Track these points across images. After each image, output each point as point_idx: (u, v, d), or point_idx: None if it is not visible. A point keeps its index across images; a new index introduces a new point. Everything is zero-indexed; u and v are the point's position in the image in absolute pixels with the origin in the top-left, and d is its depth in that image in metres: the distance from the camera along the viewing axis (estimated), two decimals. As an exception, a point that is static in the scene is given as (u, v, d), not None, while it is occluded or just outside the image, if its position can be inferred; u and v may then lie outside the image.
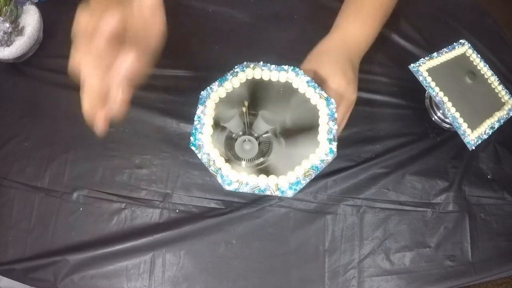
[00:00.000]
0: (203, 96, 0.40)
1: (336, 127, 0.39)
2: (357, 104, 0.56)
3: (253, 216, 0.50)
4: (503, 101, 0.54)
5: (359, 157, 0.54)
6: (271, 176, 0.36)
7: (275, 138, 0.46)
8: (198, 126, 0.38)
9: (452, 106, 0.50)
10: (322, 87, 0.41)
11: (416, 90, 0.55)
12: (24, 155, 0.52)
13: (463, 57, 0.55)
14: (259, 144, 0.45)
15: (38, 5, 0.56)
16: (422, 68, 0.52)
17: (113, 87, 0.32)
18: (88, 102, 0.33)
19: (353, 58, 0.49)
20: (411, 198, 0.52)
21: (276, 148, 0.46)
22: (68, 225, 0.49)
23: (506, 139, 0.57)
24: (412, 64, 0.52)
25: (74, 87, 0.57)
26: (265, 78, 0.42)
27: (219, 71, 0.42)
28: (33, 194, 0.51)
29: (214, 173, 0.36)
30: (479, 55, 0.55)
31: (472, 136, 0.50)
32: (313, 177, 0.36)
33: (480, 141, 0.50)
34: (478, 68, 0.55)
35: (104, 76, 0.32)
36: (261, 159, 0.45)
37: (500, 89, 0.55)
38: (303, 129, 0.43)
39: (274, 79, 0.42)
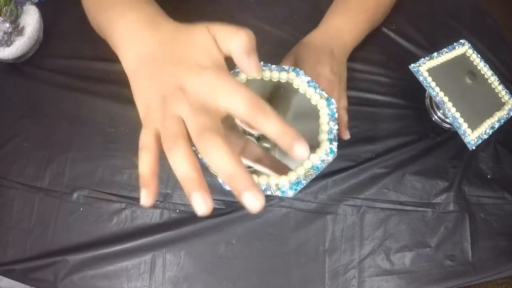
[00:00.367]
0: None
1: (336, 127, 0.39)
2: (357, 104, 0.57)
3: (254, 216, 0.50)
4: (503, 101, 0.54)
5: (359, 157, 0.54)
6: (272, 176, 0.36)
7: (274, 145, 0.46)
8: None
9: (452, 106, 0.50)
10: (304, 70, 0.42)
11: (416, 90, 0.55)
12: (24, 155, 0.52)
13: (463, 57, 0.55)
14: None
15: (38, 5, 0.56)
16: (422, 68, 0.52)
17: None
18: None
19: (335, 49, 0.50)
20: (411, 198, 0.52)
21: (273, 153, 0.46)
22: (68, 225, 0.49)
23: (506, 139, 0.57)
24: (412, 64, 0.52)
25: (74, 87, 0.57)
26: (266, 78, 0.42)
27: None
28: (33, 194, 0.50)
29: (215, 174, 0.36)
30: (479, 55, 0.56)
31: (473, 136, 0.50)
32: (313, 177, 0.36)
33: (480, 141, 0.50)
34: (478, 68, 0.55)
35: None
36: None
37: (500, 89, 0.55)
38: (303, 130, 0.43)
39: (274, 79, 0.42)
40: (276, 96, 0.45)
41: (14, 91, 0.56)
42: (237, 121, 0.38)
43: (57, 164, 0.52)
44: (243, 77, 0.41)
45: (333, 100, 0.40)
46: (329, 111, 0.40)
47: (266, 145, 0.47)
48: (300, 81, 0.41)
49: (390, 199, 0.52)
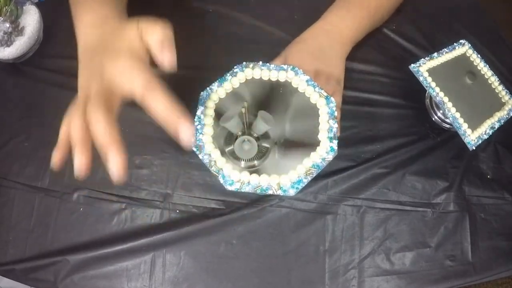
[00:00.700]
0: (203, 97, 0.40)
1: (336, 125, 0.39)
2: (357, 104, 0.57)
3: (254, 216, 0.50)
4: (503, 101, 0.54)
5: (359, 157, 0.54)
6: (273, 175, 0.36)
7: (274, 145, 0.46)
8: (198, 127, 0.38)
9: (453, 106, 0.50)
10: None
11: (416, 90, 0.55)
12: (24, 155, 0.52)
13: (463, 57, 0.55)
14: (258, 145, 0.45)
15: (38, 5, 0.56)
16: (422, 68, 0.52)
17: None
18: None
19: (332, 45, 0.51)
20: (411, 198, 0.52)
21: (273, 153, 0.46)
22: (68, 225, 0.49)
23: (506, 139, 0.57)
24: (412, 64, 0.52)
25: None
26: (265, 78, 0.42)
27: (219, 71, 0.42)
28: (33, 194, 0.50)
29: (216, 174, 0.36)
30: (479, 55, 0.55)
31: (473, 136, 0.50)
32: (314, 175, 0.36)
33: (480, 141, 0.50)
34: (478, 68, 0.55)
35: None
36: (255, 162, 0.45)
37: (500, 89, 0.55)
38: (303, 130, 0.43)
39: (273, 78, 0.42)
40: (276, 96, 0.45)
41: (14, 91, 0.56)
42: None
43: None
44: (241, 77, 0.41)
45: (332, 99, 0.40)
46: (328, 109, 0.40)
47: (266, 145, 0.47)
48: (299, 80, 0.41)
49: (390, 199, 0.52)
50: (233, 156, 0.45)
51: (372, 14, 0.55)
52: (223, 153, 0.44)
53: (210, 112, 0.39)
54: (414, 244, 0.50)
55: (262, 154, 0.46)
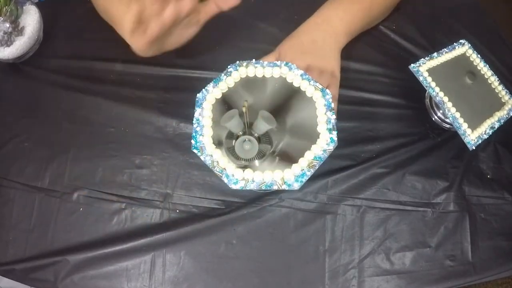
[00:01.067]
0: (199, 99, 0.40)
1: (334, 116, 0.39)
2: (357, 104, 0.57)
3: (254, 216, 0.50)
4: (503, 101, 0.54)
5: (359, 157, 0.54)
6: (276, 171, 0.36)
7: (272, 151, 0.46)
8: (197, 129, 0.38)
9: (452, 106, 0.50)
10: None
11: (416, 90, 0.55)
12: (24, 155, 0.52)
13: (463, 57, 0.55)
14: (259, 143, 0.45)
15: (38, 5, 0.56)
16: (422, 68, 0.52)
17: None
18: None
19: (326, 38, 0.52)
20: (411, 198, 0.52)
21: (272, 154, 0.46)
22: (68, 225, 0.49)
23: (506, 139, 0.57)
24: (412, 64, 0.52)
25: (74, 87, 0.57)
26: (259, 75, 0.42)
27: (219, 71, 0.42)
28: (33, 194, 0.51)
29: (219, 174, 0.36)
30: (479, 55, 0.56)
31: (473, 136, 0.50)
32: (317, 167, 0.37)
33: (480, 141, 0.50)
34: (478, 68, 0.55)
35: None
36: (256, 162, 0.45)
37: (500, 89, 0.55)
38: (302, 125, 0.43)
39: (268, 75, 0.42)
40: (274, 93, 0.45)
41: (14, 91, 0.56)
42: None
43: (57, 164, 0.52)
44: (236, 76, 0.41)
45: (327, 91, 0.40)
46: (325, 101, 0.40)
47: (267, 145, 0.47)
48: (293, 75, 0.41)
49: (390, 199, 0.52)
50: (234, 156, 0.45)
51: (367, 7, 0.56)
52: (223, 151, 0.44)
53: (208, 113, 0.39)
54: (414, 244, 0.50)
55: (262, 154, 0.46)
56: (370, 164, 0.53)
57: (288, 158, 0.44)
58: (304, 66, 0.49)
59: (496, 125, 0.52)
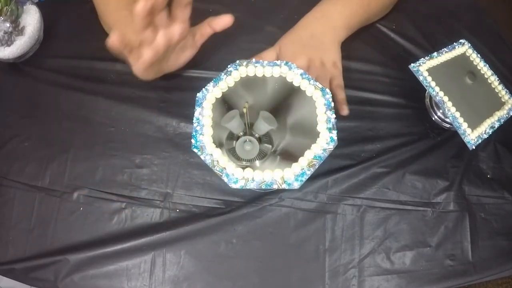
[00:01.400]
0: (199, 98, 0.40)
1: (334, 116, 0.39)
2: (357, 103, 0.57)
3: (254, 215, 0.50)
4: (503, 100, 0.54)
5: (359, 156, 0.54)
6: (276, 170, 0.36)
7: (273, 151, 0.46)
8: (198, 128, 0.38)
9: (452, 105, 0.50)
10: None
11: (416, 90, 0.55)
12: (24, 155, 0.52)
13: (463, 57, 0.55)
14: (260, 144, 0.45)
15: (38, 5, 0.56)
16: (422, 68, 0.52)
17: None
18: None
19: (325, 33, 0.53)
20: (411, 198, 0.52)
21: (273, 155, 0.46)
22: (68, 224, 0.49)
23: (506, 138, 0.57)
24: (412, 64, 0.52)
25: (74, 87, 0.57)
26: (259, 75, 0.42)
27: (219, 71, 0.42)
28: (33, 194, 0.51)
29: (219, 173, 0.36)
30: (479, 55, 0.56)
31: (472, 136, 0.50)
32: (317, 166, 0.37)
33: (480, 141, 0.50)
34: (478, 68, 0.55)
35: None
36: (257, 162, 0.45)
37: (500, 89, 0.55)
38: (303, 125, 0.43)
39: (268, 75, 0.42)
40: (274, 92, 0.45)
41: (14, 91, 0.56)
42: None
43: (57, 163, 0.52)
44: (236, 75, 0.42)
45: (327, 90, 0.40)
46: (325, 101, 0.40)
47: (267, 145, 0.47)
48: (293, 75, 0.41)
49: (390, 198, 0.52)
50: (235, 157, 0.45)
51: (366, 3, 0.56)
52: (223, 151, 0.44)
53: (208, 112, 0.39)
54: (414, 244, 0.50)
55: (263, 154, 0.46)
56: (370, 163, 0.53)
57: (290, 156, 0.44)
58: (305, 59, 0.49)
59: (496, 125, 0.52)
